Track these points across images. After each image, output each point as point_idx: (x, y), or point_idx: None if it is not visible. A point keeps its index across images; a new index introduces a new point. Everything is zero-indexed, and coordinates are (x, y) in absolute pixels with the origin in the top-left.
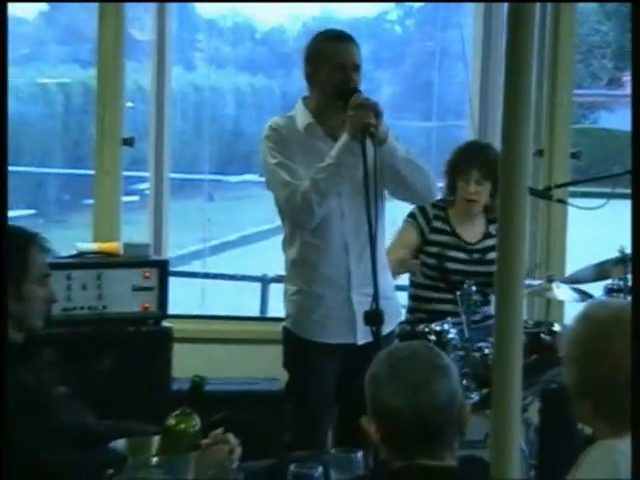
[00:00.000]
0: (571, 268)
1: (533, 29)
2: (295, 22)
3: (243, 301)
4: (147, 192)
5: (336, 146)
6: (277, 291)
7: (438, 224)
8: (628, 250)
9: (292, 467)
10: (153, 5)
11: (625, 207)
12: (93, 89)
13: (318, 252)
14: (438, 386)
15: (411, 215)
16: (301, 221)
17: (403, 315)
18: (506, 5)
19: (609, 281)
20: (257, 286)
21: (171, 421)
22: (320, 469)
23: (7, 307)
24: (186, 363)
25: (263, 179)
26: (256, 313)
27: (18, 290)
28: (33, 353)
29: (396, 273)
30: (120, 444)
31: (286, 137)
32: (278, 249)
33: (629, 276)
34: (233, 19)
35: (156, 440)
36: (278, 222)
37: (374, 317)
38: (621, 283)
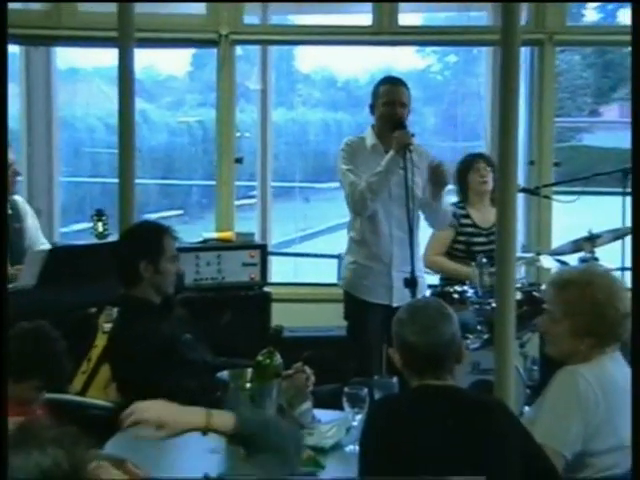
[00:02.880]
0: (555, 244)
1: (518, 73)
2: (365, 73)
3: (324, 272)
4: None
5: (385, 158)
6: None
7: (464, 221)
8: (594, 231)
9: (346, 389)
10: (259, 61)
11: (593, 201)
12: None
13: (372, 236)
14: (444, 328)
15: None
16: (358, 210)
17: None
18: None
19: (581, 254)
20: (334, 262)
21: (260, 357)
22: (366, 390)
23: (6, 303)
24: (283, 316)
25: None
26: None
27: (156, 266)
28: (167, 311)
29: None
30: (225, 374)
31: (355, 151)
32: None
33: (596, 250)
34: (322, 73)
35: (249, 371)
36: None
37: (411, 282)
38: (590, 255)
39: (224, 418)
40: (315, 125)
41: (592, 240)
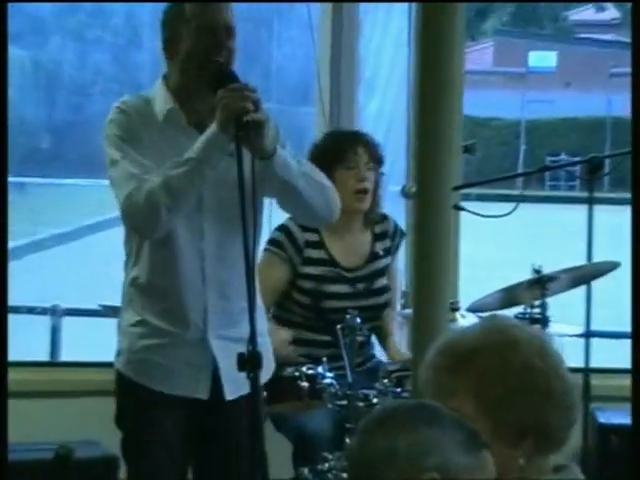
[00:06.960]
0: (465, 289)
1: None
2: None
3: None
4: None
5: (201, 138)
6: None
7: (311, 252)
8: (545, 270)
9: None
10: None
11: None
12: None
13: (168, 277)
14: None
15: (275, 243)
16: (143, 227)
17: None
18: None
19: (520, 309)
20: (46, 320)
21: None
22: None
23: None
24: None
25: None
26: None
27: None
28: None
29: None
30: None
31: (137, 123)
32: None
33: (547, 300)
34: None
35: None
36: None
37: (250, 361)
38: (536, 310)
39: None
40: None
41: (541, 283)
